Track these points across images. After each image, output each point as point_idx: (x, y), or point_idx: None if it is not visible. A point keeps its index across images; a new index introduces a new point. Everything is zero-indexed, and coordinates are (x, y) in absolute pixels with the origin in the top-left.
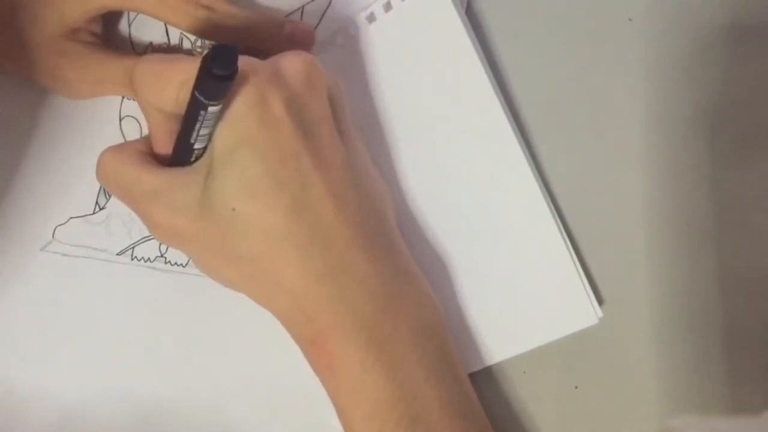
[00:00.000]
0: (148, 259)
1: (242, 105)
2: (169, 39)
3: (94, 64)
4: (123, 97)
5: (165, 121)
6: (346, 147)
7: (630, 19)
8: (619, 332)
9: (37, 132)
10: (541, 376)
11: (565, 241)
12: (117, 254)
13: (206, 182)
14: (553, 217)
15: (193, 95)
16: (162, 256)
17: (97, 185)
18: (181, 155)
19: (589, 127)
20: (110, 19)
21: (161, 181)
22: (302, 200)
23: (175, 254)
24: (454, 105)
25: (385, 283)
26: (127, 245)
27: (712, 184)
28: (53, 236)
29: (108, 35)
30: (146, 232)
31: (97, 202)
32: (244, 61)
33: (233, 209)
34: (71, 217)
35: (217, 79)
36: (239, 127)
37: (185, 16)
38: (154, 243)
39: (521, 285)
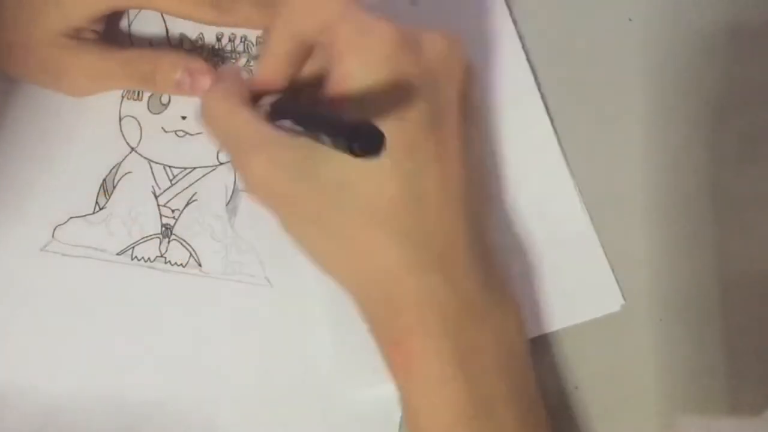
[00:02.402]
0: (148, 259)
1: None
2: (169, 39)
3: (92, 57)
4: (123, 98)
5: (288, 43)
6: (465, 141)
7: (630, 19)
8: (619, 332)
9: (37, 132)
10: (541, 376)
11: (592, 229)
12: (117, 254)
13: (316, 145)
14: (582, 206)
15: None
16: (162, 256)
17: (97, 185)
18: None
19: (588, 127)
20: (110, 15)
21: (269, 133)
22: (414, 189)
23: (175, 254)
24: (494, 90)
25: (476, 290)
26: (127, 245)
27: (712, 183)
28: (53, 236)
29: (108, 32)
30: (146, 232)
31: (97, 202)
32: (386, 30)
33: (341, 183)
34: (71, 217)
35: (354, 153)
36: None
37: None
38: (154, 243)
39: (551, 268)
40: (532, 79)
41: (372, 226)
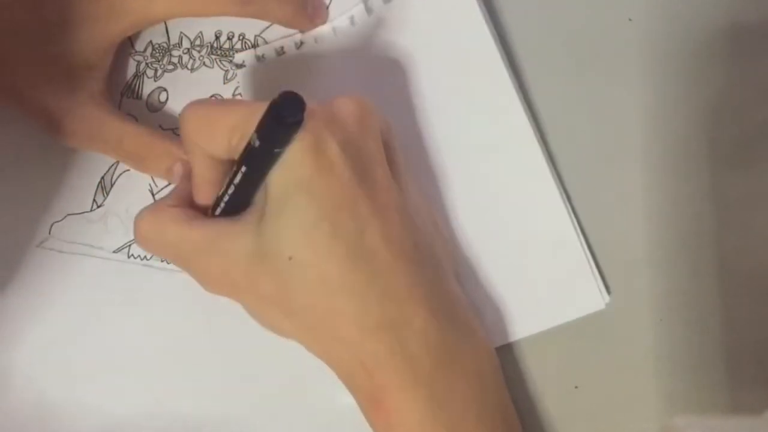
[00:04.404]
0: (145, 256)
1: (297, 150)
2: (169, 38)
3: (90, 120)
4: (122, 95)
5: (211, 168)
6: (399, 190)
7: (630, 19)
8: (619, 332)
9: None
10: (541, 376)
11: (575, 228)
12: (113, 252)
13: (259, 229)
14: (564, 204)
15: (251, 143)
16: None
17: (95, 182)
18: (231, 203)
19: (588, 127)
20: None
21: (210, 234)
22: (359, 248)
23: None
24: (468, 91)
25: (443, 335)
26: (123, 243)
27: (712, 184)
28: (49, 233)
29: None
30: None
31: (94, 200)
32: None
33: (289, 257)
34: (68, 214)
35: (283, 126)
36: (294, 172)
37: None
38: None
39: (531, 270)
40: (506, 74)
41: (328, 294)
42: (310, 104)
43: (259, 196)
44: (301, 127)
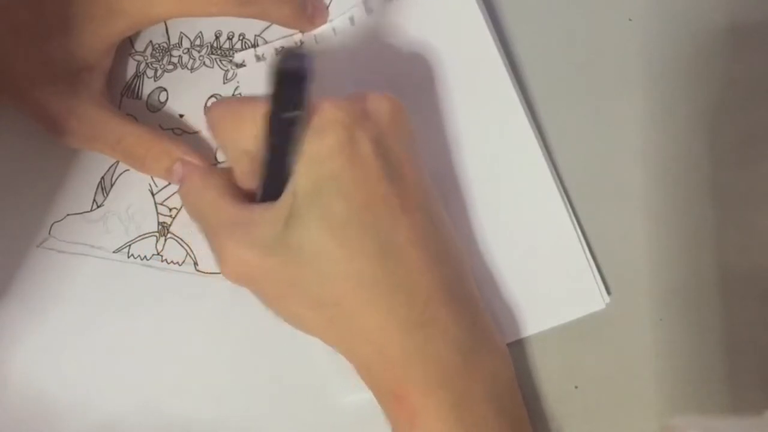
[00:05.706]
0: (145, 257)
1: (330, 143)
2: (169, 38)
3: (90, 120)
4: (122, 96)
5: (247, 161)
6: (425, 190)
7: (630, 19)
8: (619, 332)
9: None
10: (541, 376)
11: (575, 228)
12: (113, 252)
13: (288, 220)
14: (565, 205)
15: (269, 113)
16: (158, 254)
17: (96, 182)
18: (265, 190)
19: (588, 127)
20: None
21: (240, 214)
22: (388, 245)
23: (171, 252)
24: (468, 91)
25: (465, 336)
26: (123, 243)
27: (712, 184)
28: (50, 233)
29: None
30: (143, 230)
31: (94, 200)
32: (331, 101)
33: (318, 252)
34: (68, 214)
35: (289, 80)
36: (326, 165)
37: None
38: (151, 241)
39: (531, 270)
40: (506, 74)
41: (355, 290)
42: (342, 100)
43: (290, 186)
44: (309, 80)
